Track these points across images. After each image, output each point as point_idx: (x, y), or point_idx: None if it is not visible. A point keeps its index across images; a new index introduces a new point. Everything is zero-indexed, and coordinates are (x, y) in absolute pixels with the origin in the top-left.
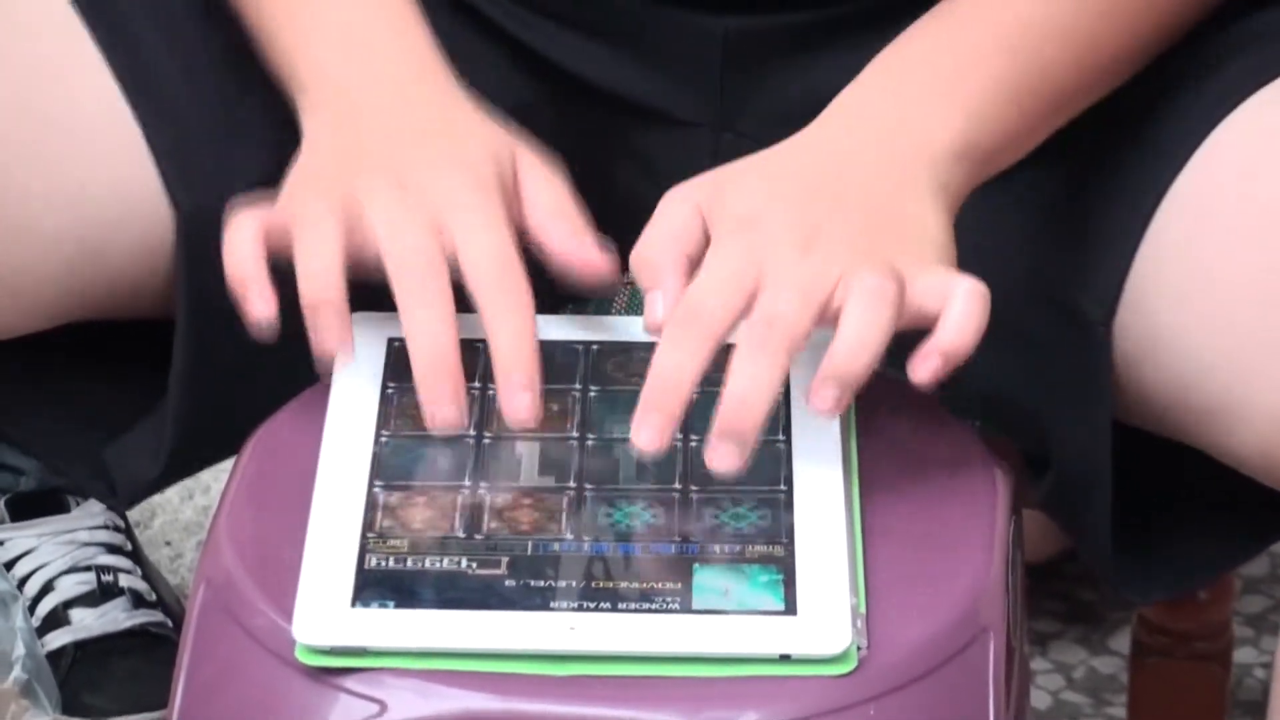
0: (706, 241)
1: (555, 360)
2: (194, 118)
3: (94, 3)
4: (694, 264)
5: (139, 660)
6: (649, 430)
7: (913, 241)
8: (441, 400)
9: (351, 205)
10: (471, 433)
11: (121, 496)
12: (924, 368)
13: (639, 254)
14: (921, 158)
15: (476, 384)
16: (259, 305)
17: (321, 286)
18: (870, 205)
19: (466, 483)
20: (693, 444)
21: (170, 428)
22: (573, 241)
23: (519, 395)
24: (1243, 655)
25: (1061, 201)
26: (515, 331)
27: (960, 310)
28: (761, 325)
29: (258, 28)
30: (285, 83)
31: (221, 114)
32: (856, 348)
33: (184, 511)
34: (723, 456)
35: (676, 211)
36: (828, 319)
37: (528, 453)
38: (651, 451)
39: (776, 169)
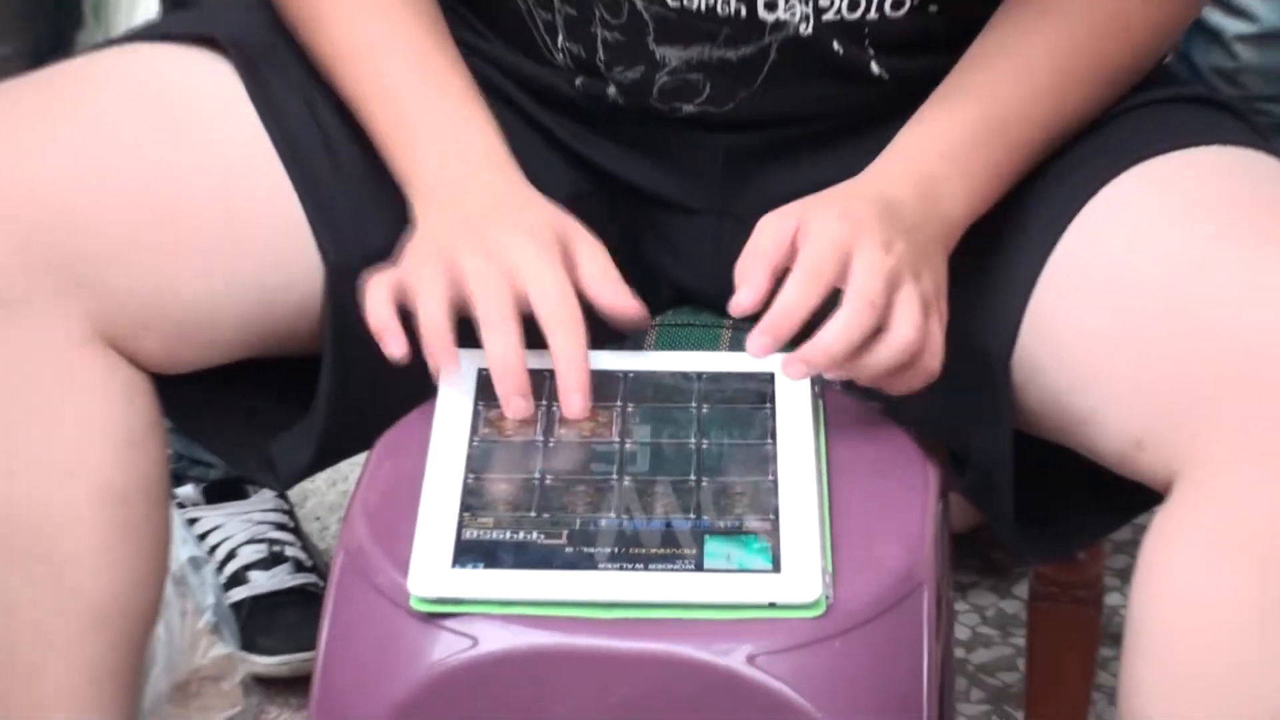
0: (791, 257)
1: (602, 384)
2: (341, 200)
3: (270, 110)
4: (780, 273)
5: (299, 613)
6: (761, 346)
7: (936, 288)
8: (512, 394)
9: (452, 267)
10: (540, 438)
11: (282, 478)
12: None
13: (740, 264)
14: (943, 226)
15: (543, 402)
16: (394, 346)
17: (434, 329)
18: (916, 245)
19: (537, 475)
20: (705, 446)
21: (318, 429)
22: (615, 296)
23: (573, 396)
24: (1112, 599)
25: (970, 267)
26: (571, 349)
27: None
28: (864, 301)
29: (370, 129)
30: (395, 175)
31: (360, 195)
32: (903, 340)
33: (329, 495)
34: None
35: (770, 233)
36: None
37: (582, 452)
38: (761, 358)
39: (859, 195)
